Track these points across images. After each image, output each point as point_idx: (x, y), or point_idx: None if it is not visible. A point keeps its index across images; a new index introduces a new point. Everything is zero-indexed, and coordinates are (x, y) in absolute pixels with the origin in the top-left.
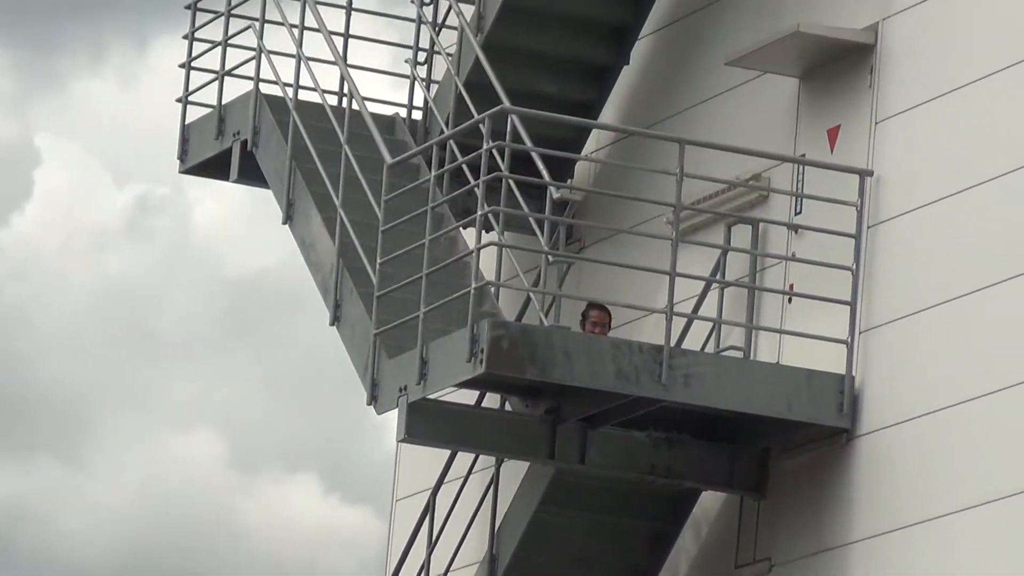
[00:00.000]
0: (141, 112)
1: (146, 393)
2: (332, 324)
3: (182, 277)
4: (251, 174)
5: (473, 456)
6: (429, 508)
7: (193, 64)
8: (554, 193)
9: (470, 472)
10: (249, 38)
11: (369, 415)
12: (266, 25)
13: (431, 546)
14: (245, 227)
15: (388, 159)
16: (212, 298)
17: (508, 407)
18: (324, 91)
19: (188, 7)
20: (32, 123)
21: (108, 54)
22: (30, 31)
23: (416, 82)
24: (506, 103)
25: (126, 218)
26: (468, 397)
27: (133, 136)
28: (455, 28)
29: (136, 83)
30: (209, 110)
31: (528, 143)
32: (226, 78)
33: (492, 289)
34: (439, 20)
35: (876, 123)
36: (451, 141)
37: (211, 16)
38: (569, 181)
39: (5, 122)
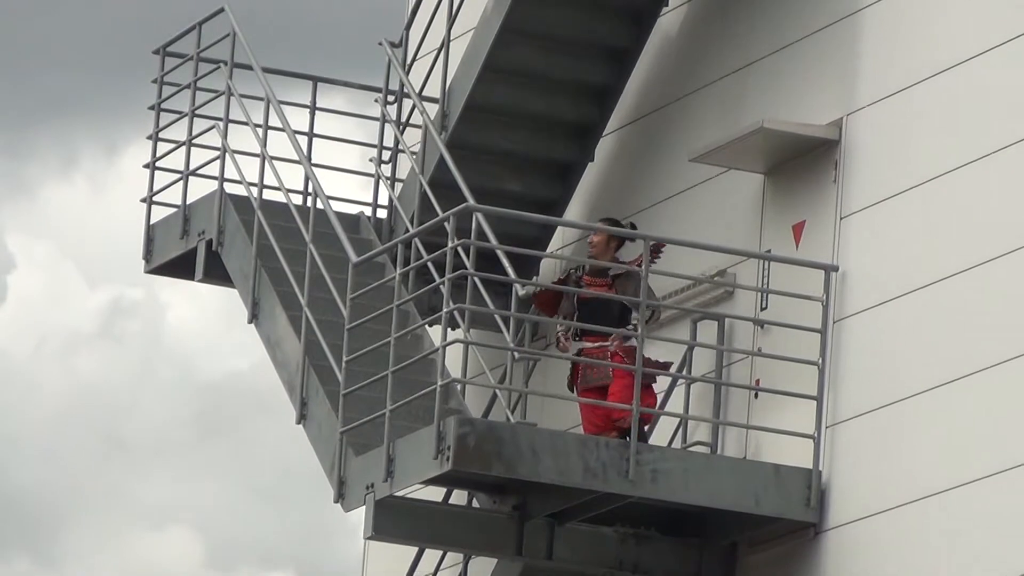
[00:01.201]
0: (112, 214)
1: (120, 495)
2: (299, 422)
3: (154, 380)
4: (217, 273)
5: (441, 552)
6: None
7: (158, 164)
8: (519, 290)
9: (438, 568)
10: (213, 138)
11: (342, 512)
12: (230, 125)
13: None
14: (217, 328)
15: (353, 258)
16: (184, 401)
17: (475, 503)
18: (289, 190)
19: (151, 108)
20: (3, 227)
21: (78, 159)
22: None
23: (381, 181)
24: (471, 201)
25: (99, 321)
26: (436, 493)
27: (105, 238)
28: (419, 127)
29: (106, 187)
30: (174, 210)
31: (493, 241)
32: (191, 178)
33: (458, 386)
34: (403, 119)
35: (841, 218)
36: (416, 239)
37: (175, 117)
38: (534, 278)
39: None
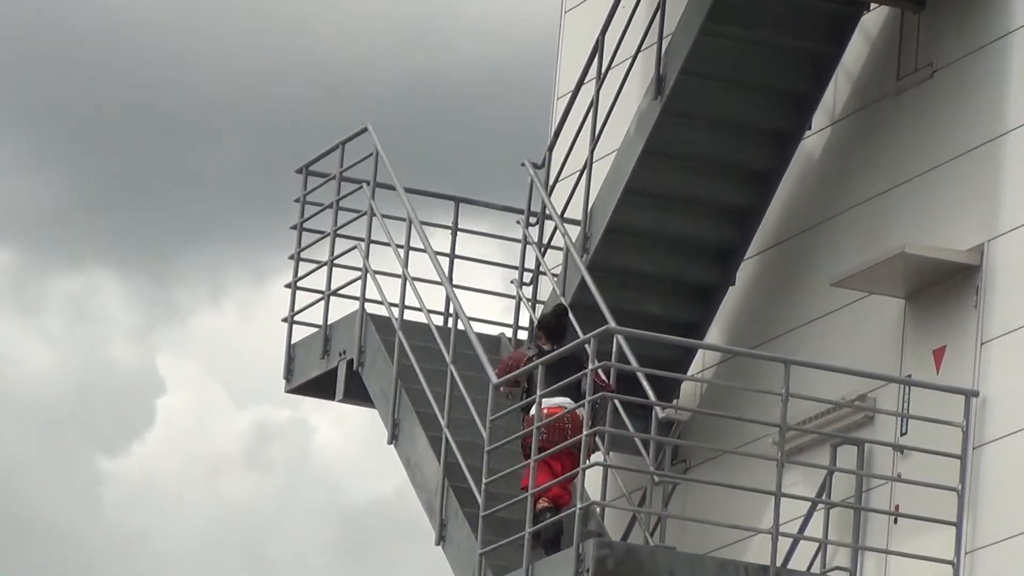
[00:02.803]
0: (259, 336)
1: None
2: (438, 544)
3: (298, 503)
4: (357, 393)
5: None
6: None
7: (300, 284)
8: (659, 413)
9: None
10: (355, 258)
11: None
12: (372, 245)
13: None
14: (362, 449)
15: (494, 379)
16: (327, 524)
17: None
18: (429, 311)
19: (293, 227)
20: (154, 351)
21: (226, 286)
22: (151, 264)
23: (522, 302)
24: (611, 323)
25: (244, 444)
26: None
27: (252, 360)
28: (561, 248)
29: (253, 312)
30: (315, 330)
31: (633, 363)
32: (332, 298)
33: (598, 508)
34: (545, 241)
35: (981, 343)
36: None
37: (318, 236)
38: (674, 401)
39: (129, 350)
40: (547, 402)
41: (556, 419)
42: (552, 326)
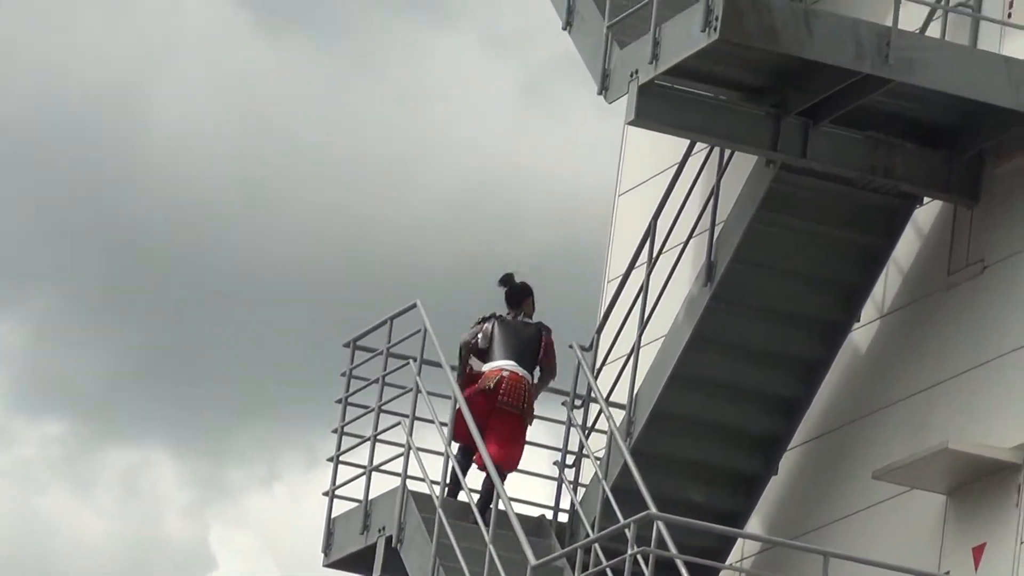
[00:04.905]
0: (307, 512)
1: None
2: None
3: None
4: (396, 569)
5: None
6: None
7: (342, 459)
8: None
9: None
10: (399, 434)
11: None
12: (416, 422)
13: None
14: None
15: (532, 560)
16: None
17: None
18: (471, 490)
19: (338, 401)
20: (207, 527)
21: (279, 468)
22: (204, 442)
23: (564, 485)
24: (652, 509)
25: None
26: None
27: (301, 536)
28: (604, 432)
29: (305, 490)
30: (356, 504)
31: (673, 549)
32: (374, 473)
33: None
34: (589, 424)
35: (1021, 543)
36: (596, 545)
37: (363, 411)
38: None
39: (183, 527)
40: (507, 365)
41: (517, 384)
42: (516, 291)
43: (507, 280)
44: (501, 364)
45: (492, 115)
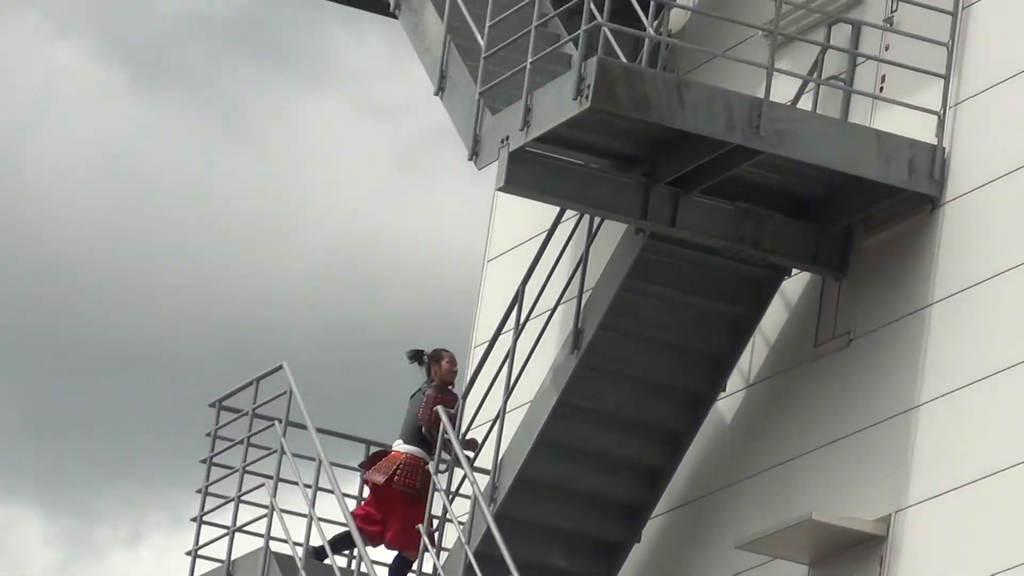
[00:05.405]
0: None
1: None
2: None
3: None
4: None
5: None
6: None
7: (206, 519)
8: None
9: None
10: (263, 495)
11: None
12: (280, 484)
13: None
14: None
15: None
16: None
17: None
18: (335, 553)
19: (203, 461)
20: None
21: (143, 528)
22: (71, 501)
23: (427, 551)
24: (515, 575)
25: None
26: None
27: None
28: (468, 497)
29: (170, 551)
30: (218, 564)
31: None
32: (237, 534)
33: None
34: (453, 488)
35: None
36: None
37: (227, 472)
38: None
39: None
40: (407, 448)
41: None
42: (420, 362)
43: (411, 356)
44: (395, 446)
45: (363, 180)
